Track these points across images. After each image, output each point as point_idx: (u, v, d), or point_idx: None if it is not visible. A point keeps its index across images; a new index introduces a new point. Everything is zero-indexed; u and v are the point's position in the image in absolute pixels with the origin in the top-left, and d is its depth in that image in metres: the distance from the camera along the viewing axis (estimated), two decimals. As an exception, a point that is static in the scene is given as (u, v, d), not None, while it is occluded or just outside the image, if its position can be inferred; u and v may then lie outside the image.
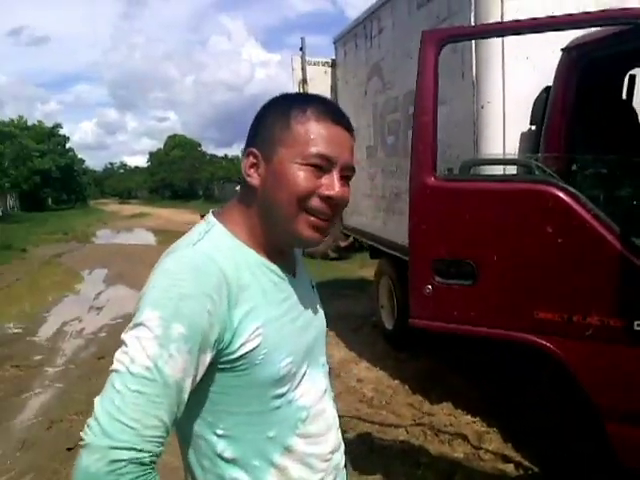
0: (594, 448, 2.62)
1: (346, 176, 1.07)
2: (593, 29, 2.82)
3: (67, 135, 54.46)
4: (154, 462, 0.89)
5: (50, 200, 50.98)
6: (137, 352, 0.89)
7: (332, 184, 1.03)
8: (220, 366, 1.00)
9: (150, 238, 20.68)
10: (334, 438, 1.19)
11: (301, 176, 1.02)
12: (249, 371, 1.01)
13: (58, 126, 52.03)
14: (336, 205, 1.05)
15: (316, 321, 1.21)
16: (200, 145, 74.11)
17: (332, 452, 1.18)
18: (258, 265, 1.07)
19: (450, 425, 3.96)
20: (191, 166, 65.12)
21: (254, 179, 1.06)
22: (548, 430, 3.17)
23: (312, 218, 1.04)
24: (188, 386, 0.93)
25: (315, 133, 1.02)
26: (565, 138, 2.93)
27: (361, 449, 3.66)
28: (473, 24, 3.30)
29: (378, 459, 3.55)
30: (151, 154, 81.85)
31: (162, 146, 77.40)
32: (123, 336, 0.92)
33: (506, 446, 3.60)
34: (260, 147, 1.06)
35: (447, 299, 2.53)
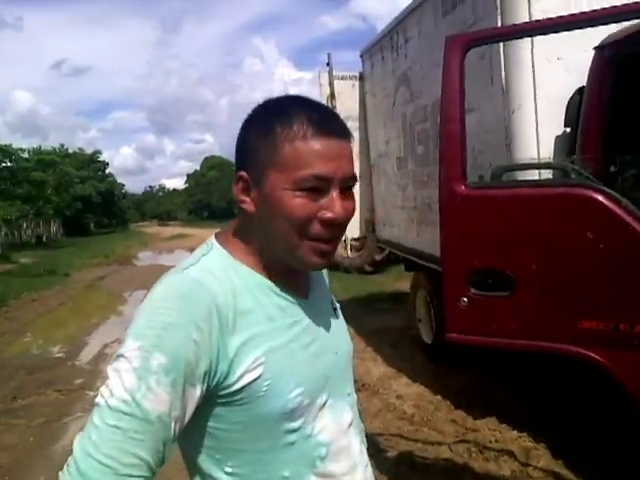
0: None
1: (349, 187, 0.98)
2: (626, 24, 2.72)
3: (107, 161, 56.54)
4: None
5: (92, 225, 52.49)
6: (116, 385, 0.83)
7: (332, 205, 0.93)
8: (220, 400, 0.92)
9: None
10: (361, 476, 1.07)
11: (296, 204, 0.91)
12: (253, 405, 0.92)
13: (97, 152, 54.00)
14: (340, 225, 0.96)
15: (337, 346, 1.09)
16: (236, 165, 75.01)
17: None
18: (261, 288, 0.98)
19: (495, 441, 3.82)
20: (228, 186, 65.72)
21: (248, 204, 0.98)
22: (600, 445, 3.02)
23: (316, 244, 0.95)
24: (175, 422, 0.85)
25: (306, 152, 0.91)
26: (602, 139, 2.81)
27: (403, 468, 3.55)
28: (500, 27, 3.22)
29: (421, 479, 3.44)
30: (188, 176, 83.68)
31: (199, 168, 79.01)
32: (108, 368, 0.87)
33: (556, 463, 3.44)
34: (249, 170, 0.97)
35: (484, 311, 2.42)
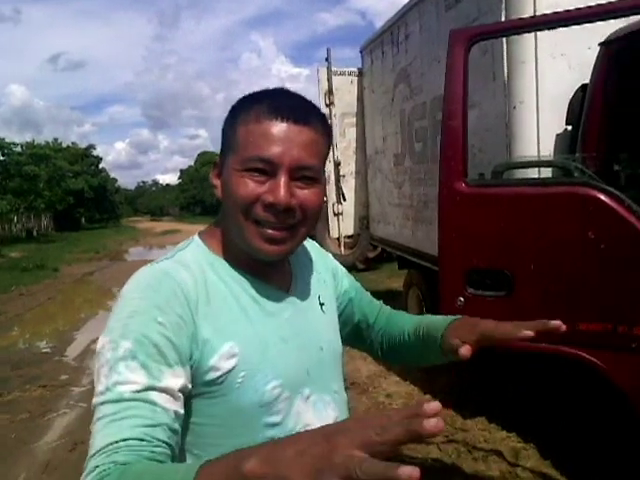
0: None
1: (306, 177, 0.93)
2: (633, 20, 2.67)
3: (100, 155, 56.07)
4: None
5: (83, 219, 52.16)
6: (97, 384, 0.82)
7: (275, 189, 0.90)
8: (196, 391, 0.89)
9: (180, 254, 20.85)
10: None
11: (240, 184, 0.91)
12: (229, 397, 0.90)
13: (91, 147, 53.60)
14: (285, 212, 0.92)
15: (322, 342, 1.07)
16: (230, 161, 74.94)
17: None
18: (235, 280, 0.98)
19: (485, 441, 3.78)
20: (221, 182, 66.16)
21: (218, 190, 0.99)
22: (589, 446, 2.98)
23: (260, 228, 0.93)
24: (160, 399, 0.80)
25: (255, 134, 0.91)
26: (605, 138, 2.76)
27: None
28: (504, 22, 3.16)
29: None
30: (182, 171, 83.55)
31: (193, 163, 78.93)
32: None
33: (544, 463, 3.40)
34: (220, 156, 0.99)
35: (481, 311, 2.36)
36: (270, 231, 0.93)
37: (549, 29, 2.54)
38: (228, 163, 0.95)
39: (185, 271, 0.92)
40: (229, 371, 0.89)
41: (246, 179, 0.91)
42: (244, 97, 0.98)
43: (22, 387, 5.68)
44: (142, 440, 0.76)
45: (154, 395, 0.80)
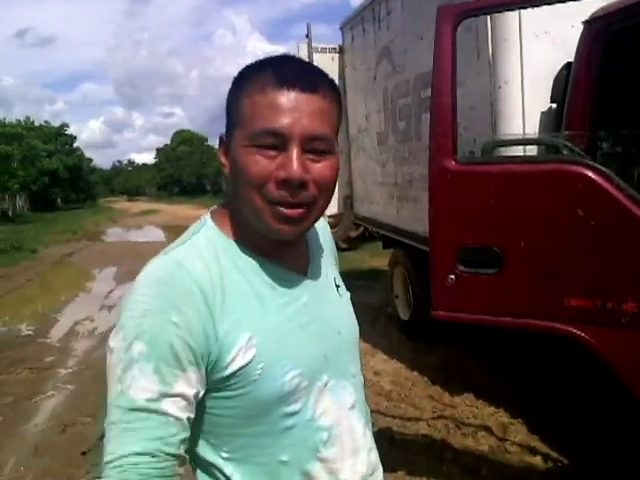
0: (630, 439, 2.51)
1: (318, 148, 0.88)
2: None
3: (74, 134, 55.06)
4: None
5: (59, 200, 51.33)
6: (111, 381, 0.83)
7: (287, 163, 0.85)
8: (213, 385, 0.87)
9: (159, 234, 20.76)
10: (364, 462, 1.03)
11: (250, 160, 0.86)
12: (247, 389, 0.88)
13: (65, 126, 52.48)
14: (299, 187, 0.86)
15: (340, 325, 1.04)
16: (207, 140, 73.87)
17: (363, 477, 1.02)
18: (251, 266, 0.93)
19: (473, 417, 3.86)
20: (198, 161, 65.27)
21: (226, 168, 0.93)
22: (577, 420, 3.05)
23: (276, 208, 0.87)
24: (172, 405, 0.82)
25: (260, 106, 0.85)
26: (589, 116, 2.79)
27: (382, 444, 3.50)
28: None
29: (400, 454, 3.44)
30: (158, 150, 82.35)
31: (169, 142, 77.76)
32: None
33: (532, 437, 3.49)
34: (227, 132, 0.93)
35: (472, 289, 2.40)
36: (286, 210, 0.87)
37: (537, 6, 2.54)
38: (235, 139, 0.89)
39: (200, 261, 0.88)
40: (247, 364, 0.86)
41: (256, 156, 0.85)
42: (247, 66, 0.92)
43: (6, 370, 5.63)
44: (152, 456, 0.79)
45: (167, 404, 0.81)
